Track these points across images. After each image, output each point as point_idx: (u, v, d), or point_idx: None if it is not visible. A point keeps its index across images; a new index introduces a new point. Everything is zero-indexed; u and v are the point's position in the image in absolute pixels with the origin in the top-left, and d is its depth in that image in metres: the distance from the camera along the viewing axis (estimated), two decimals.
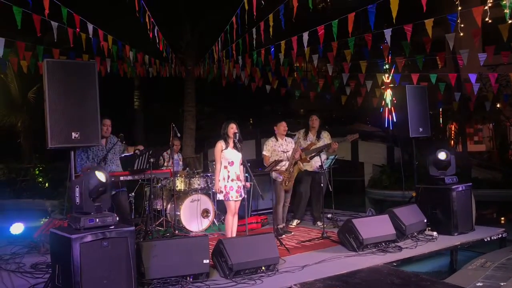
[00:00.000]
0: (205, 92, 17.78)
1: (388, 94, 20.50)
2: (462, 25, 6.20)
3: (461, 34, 6.07)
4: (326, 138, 7.58)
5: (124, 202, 6.36)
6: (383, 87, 18.12)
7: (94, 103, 4.54)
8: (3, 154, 16.43)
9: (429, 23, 6.40)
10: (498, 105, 15.63)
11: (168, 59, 11.34)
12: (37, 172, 16.09)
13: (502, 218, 10.51)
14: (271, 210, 8.53)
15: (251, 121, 26.94)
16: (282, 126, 6.85)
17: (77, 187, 4.07)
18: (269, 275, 4.88)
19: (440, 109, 16.85)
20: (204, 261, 4.73)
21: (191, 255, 4.72)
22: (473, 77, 8.13)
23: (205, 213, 7.51)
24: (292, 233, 7.06)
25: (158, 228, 7.33)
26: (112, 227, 4.06)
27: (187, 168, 8.44)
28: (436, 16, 6.51)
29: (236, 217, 5.93)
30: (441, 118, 18.40)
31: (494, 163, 16.97)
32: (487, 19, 5.89)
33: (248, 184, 5.93)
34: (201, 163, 16.09)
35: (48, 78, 4.33)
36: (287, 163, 6.70)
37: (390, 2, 5.50)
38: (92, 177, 4.07)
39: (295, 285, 4.54)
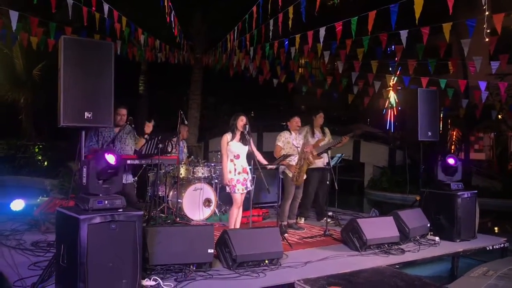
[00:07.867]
0: (211, 81, 17.70)
1: (392, 96, 20.47)
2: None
3: (486, 39, 6.00)
4: (328, 133, 7.64)
5: (132, 192, 6.26)
6: (389, 88, 18.12)
7: (109, 84, 4.41)
8: (3, 129, 16.37)
9: (447, 27, 6.34)
10: (500, 115, 15.56)
11: (180, 45, 11.24)
12: (36, 150, 16.06)
13: (502, 227, 10.49)
14: (273, 204, 8.54)
15: (253, 114, 26.88)
16: (295, 121, 6.87)
17: (84, 168, 4.01)
18: (272, 269, 4.85)
19: (441, 115, 16.79)
20: (209, 251, 4.70)
21: (195, 244, 4.68)
22: (483, 85, 8.07)
23: (207, 202, 7.50)
24: (304, 230, 7.03)
25: (161, 214, 7.30)
26: (121, 210, 4.00)
27: (192, 156, 8.40)
28: (453, 20, 6.44)
29: (240, 209, 5.90)
30: (441, 124, 18.35)
31: (493, 172, 16.97)
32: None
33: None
34: (202, 152, 16.07)
35: (64, 56, 4.20)
36: (296, 157, 6.66)
37: (415, 3, 5.42)
38: (101, 159, 4.01)
39: (298, 281, 4.50)
